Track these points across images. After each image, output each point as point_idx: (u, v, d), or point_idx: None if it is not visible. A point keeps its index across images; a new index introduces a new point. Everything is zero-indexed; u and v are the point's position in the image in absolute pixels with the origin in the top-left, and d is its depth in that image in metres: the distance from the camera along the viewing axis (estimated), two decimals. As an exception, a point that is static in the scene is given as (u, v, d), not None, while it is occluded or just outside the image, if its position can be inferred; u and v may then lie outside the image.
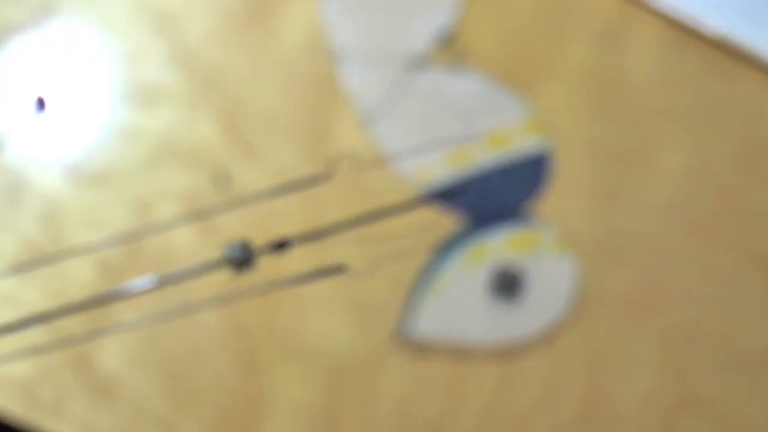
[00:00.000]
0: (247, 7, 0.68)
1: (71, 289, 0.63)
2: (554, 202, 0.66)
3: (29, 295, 0.63)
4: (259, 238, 0.64)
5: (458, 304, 0.64)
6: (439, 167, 0.65)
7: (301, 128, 0.66)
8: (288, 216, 0.64)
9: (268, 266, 0.62)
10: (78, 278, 0.63)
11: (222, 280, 0.63)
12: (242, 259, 0.33)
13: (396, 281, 0.64)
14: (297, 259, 0.62)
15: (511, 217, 0.65)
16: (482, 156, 0.66)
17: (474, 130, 0.66)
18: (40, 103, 0.65)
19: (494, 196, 0.66)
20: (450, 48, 0.67)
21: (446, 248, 0.65)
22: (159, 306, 0.63)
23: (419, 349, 0.64)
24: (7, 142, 0.64)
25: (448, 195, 0.65)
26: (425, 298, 0.64)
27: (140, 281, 0.62)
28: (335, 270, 0.28)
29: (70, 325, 0.62)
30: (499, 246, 0.65)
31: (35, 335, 0.62)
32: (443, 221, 0.65)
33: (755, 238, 0.66)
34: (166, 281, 0.47)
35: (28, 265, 0.54)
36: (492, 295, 0.64)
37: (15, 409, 0.61)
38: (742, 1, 0.68)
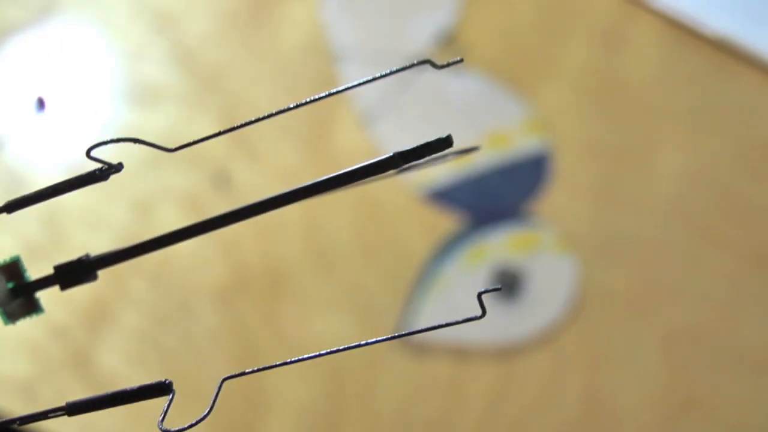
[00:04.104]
0: (247, 7, 0.68)
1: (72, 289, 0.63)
2: (554, 202, 0.66)
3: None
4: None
5: (458, 304, 0.64)
6: (439, 167, 0.65)
7: (301, 128, 0.66)
8: (287, 225, 0.64)
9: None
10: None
11: (222, 279, 0.63)
12: (5, 295, 0.24)
13: (396, 281, 0.64)
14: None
15: (511, 217, 0.65)
16: (482, 156, 0.66)
17: (474, 130, 0.66)
18: (40, 103, 0.65)
19: (494, 196, 0.66)
20: (450, 48, 0.67)
21: (446, 248, 0.65)
22: (159, 306, 0.63)
23: (419, 349, 0.64)
24: (7, 142, 0.64)
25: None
26: (425, 298, 0.64)
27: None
28: (159, 389, 0.24)
29: (71, 324, 0.62)
30: (499, 246, 0.65)
31: (36, 335, 0.62)
32: (443, 221, 0.65)
33: (755, 237, 0.66)
34: None
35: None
36: (492, 295, 0.64)
37: (15, 409, 0.61)
38: (742, 1, 0.68)
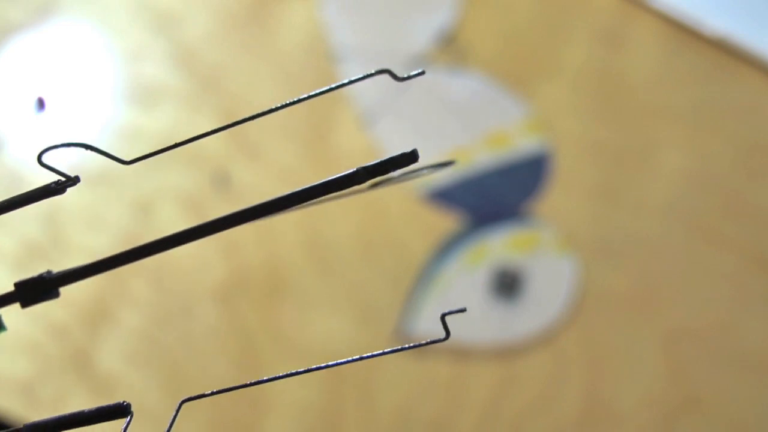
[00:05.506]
0: (247, 7, 0.68)
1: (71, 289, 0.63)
2: (554, 202, 0.66)
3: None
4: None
5: (458, 304, 0.64)
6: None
7: (301, 128, 0.66)
8: (285, 225, 0.64)
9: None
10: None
11: (222, 279, 0.63)
12: None
13: (396, 281, 0.64)
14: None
15: (511, 217, 0.65)
16: (482, 156, 0.66)
17: (474, 130, 0.66)
18: (40, 103, 0.65)
19: (494, 196, 0.66)
20: (450, 48, 0.67)
21: (446, 248, 0.65)
22: (159, 307, 0.63)
23: (419, 349, 0.64)
24: (7, 142, 0.64)
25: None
26: (425, 298, 0.64)
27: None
28: (118, 411, 0.22)
29: (71, 324, 0.62)
30: (499, 246, 0.65)
31: (35, 335, 0.62)
32: (443, 221, 0.65)
33: (755, 237, 0.66)
34: None
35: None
36: (492, 295, 0.64)
37: (15, 408, 0.61)
38: (742, 1, 0.68)
